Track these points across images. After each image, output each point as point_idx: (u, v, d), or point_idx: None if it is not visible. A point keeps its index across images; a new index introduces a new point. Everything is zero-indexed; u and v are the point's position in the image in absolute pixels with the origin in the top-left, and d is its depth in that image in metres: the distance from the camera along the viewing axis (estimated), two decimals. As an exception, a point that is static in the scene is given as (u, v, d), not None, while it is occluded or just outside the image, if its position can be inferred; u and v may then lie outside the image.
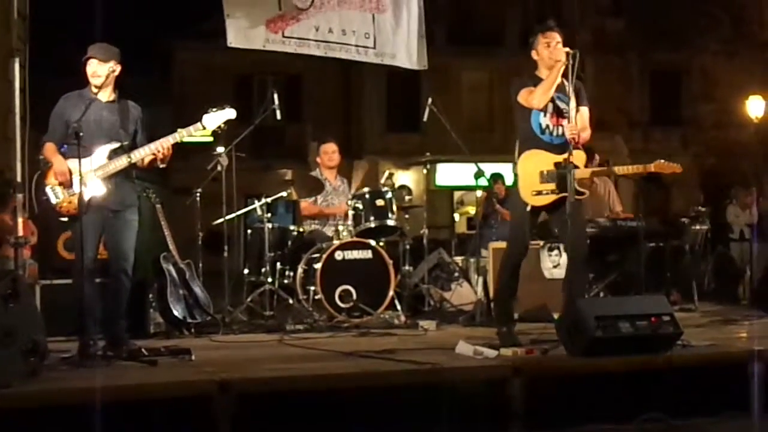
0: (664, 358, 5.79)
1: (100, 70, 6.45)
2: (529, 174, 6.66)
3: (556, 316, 7.35)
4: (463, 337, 6.73)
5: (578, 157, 6.60)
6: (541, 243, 9.06)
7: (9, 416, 4.72)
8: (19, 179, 8.16)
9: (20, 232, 8.20)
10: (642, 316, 5.83)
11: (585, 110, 6.72)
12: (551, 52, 6.66)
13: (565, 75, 6.53)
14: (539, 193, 6.62)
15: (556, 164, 6.60)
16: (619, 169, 7.29)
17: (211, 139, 7.31)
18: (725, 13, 28.71)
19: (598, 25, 29.21)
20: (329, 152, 9.78)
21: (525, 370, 5.54)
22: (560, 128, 6.68)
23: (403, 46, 10.01)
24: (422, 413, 5.26)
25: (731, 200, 13.51)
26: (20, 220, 8.22)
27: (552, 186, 6.59)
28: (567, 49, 6.55)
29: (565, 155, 6.55)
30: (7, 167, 8.43)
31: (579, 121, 6.60)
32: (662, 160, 6.84)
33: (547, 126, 6.70)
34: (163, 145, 6.48)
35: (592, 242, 8.58)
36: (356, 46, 9.78)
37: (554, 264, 8.90)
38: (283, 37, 9.42)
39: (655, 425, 5.37)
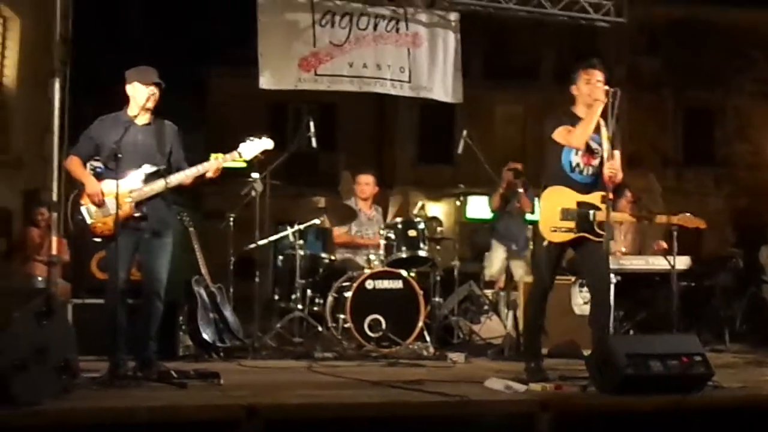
0: (694, 398, 5.74)
1: (157, 96, 6.52)
2: (549, 210, 6.67)
3: (586, 352, 7.32)
4: (491, 370, 6.72)
5: (599, 198, 6.59)
6: (573, 279, 9.03)
7: (39, 434, 4.76)
8: (55, 198, 8.25)
9: (54, 251, 8.28)
10: (673, 356, 5.79)
11: (617, 154, 6.71)
12: (591, 90, 6.65)
13: (604, 114, 6.53)
14: (557, 229, 6.62)
15: (579, 203, 6.60)
16: (640, 217, 7.28)
17: (244, 165, 7.34)
18: (760, 53, 28.64)
19: (633, 63, 29.14)
20: (362, 183, 9.81)
21: (553, 405, 5.50)
22: (590, 168, 6.69)
23: (439, 80, 10.07)
24: (450, 445, 5.24)
25: (764, 241, 13.40)
26: (54, 239, 8.30)
27: (571, 224, 6.60)
28: (606, 87, 6.55)
29: (592, 194, 6.57)
30: (44, 187, 8.53)
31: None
32: (688, 214, 6.89)
33: (578, 164, 6.70)
34: (199, 171, 6.53)
35: (622, 280, 8.60)
36: (391, 80, 9.86)
37: (585, 300, 8.86)
38: (316, 75, 9.52)
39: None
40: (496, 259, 10.28)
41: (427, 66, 10.12)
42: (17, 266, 10.41)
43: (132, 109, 6.56)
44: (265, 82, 9.37)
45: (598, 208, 6.57)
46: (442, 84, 10.20)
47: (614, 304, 8.40)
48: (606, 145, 6.63)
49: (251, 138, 6.73)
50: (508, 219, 10.31)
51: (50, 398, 5.08)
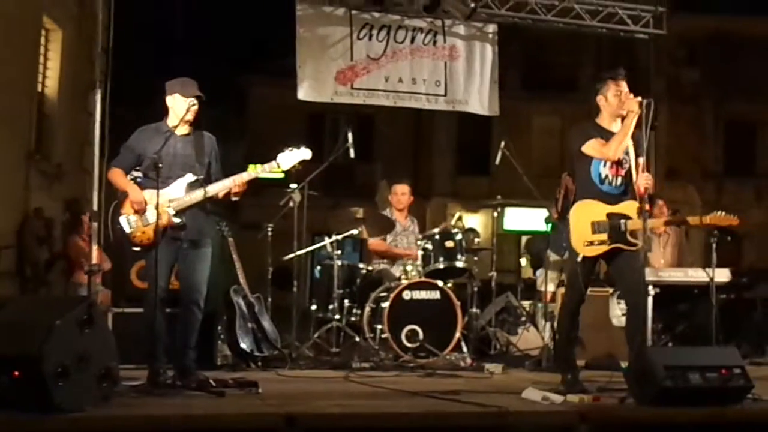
0: (734, 411, 5.70)
1: (197, 108, 6.58)
2: (581, 224, 6.64)
3: (623, 364, 7.28)
4: (528, 381, 6.70)
5: (631, 207, 6.56)
6: (611, 290, 8.99)
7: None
8: (95, 208, 8.33)
9: (95, 260, 8.36)
10: (712, 368, 5.75)
11: (642, 161, 6.64)
12: (622, 101, 6.61)
13: (638, 124, 6.49)
14: (591, 243, 6.60)
15: (609, 215, 6.58)
16: (673, 220, 7.20)
17: (282, 175, 7.38)
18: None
19: (672, 74, 28.99)
20: (398, 193, 9.84)
21: (591, 417, 5.48)
22: (619, 178, 6.66)
23: (475, 93, 10.08)
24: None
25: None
26: (95, 248, 8.38)
27: (603, 237, 6.58)
28: (639, 98, 6.51)
29: (622, 204, 6.55)
30: (83, 197, 8.61)
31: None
32: (720, 213, 6.79)
33: (607, 176, 6.68)
34: (236, 181, 6.57)
35: (661, 292, 8.55)
36: (426, 94, 9.88)
37: (623, 312, 8.81)
38: (352, 88, 9.57)
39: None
40: (553, 272, 10.15)
41: (464, 79, 10.13)
42: (60, 275, 10.52)
43: (172, 120, 6.62)
44: (303, 94, 9.44)
45: (629, 218, 6.55)
46: (478, 97, 10.21)
47: (653, 317, 8.35)
48: (633, 154, 6.61)
49: (289, 148, 6.75)
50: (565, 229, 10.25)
51: (91, 405, 5.14)
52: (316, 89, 9.54)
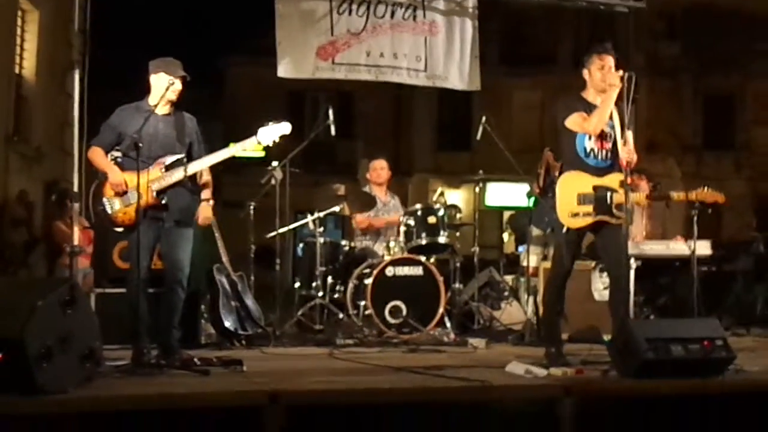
0: (715, 382, 5.74)
1: (180, 88, 6.56)
2: (567, 195, 6.66)
3: (606, 337, 7.32)
4: (512, 355, 6.73)
5: (616, 180, 6.59)
6: (593, 264, 9.03)
7: (64, 421, 4.79)
8: (76, 189, 8.30)
9: (76, 241, 8.34)
10: (694, 340, 5.78)
11: (630, 135, 6.67)
12: (604, 75, 6.62)
13: (619, 98, 6.52)
14: (576, 215, 6.63)
15: (595, 187, 6.61)
16: (658, 198, 7.24)
17: (263, 154, 7.35)
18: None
19: (651, 48, 29.04)
20: (377, 169, 9.86)
21: (575, 390, 5.50)
22: (604, 151, 6.69)
23: (456, 68, 10.03)
24: (472, 430, 5.25)
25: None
26: (76, 229, 8.36)
27: (588, 209, 6.61)
28: (621, 72, 6.52)
29: (608, 177, 6.58)
30: (63, 178, 8.57)
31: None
32: (706, 188, 6.82)
33: (592, 149, 6.70)
34: (217, 158, 6.56)
35: (642, 265, 8.59)
36: (407, 69, 9.84)
37: (605, 285, 8.83)
38: (333, 63, 9.51)
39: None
40: (536, 247, 10.17)
41: (444, 54, 10.08)
42: (41, 258, 10.49)
43: (153, 99, 6.59)
44: (283, 71, 9.38)
45: (614, 191, 6.58)
46: (458, 72, 10.16)
47: (634, 289, 8.40)
48: (618, 128, 6.63)
49: (269, 123, 6.73)
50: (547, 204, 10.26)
51: (74, 386, 5.13)
52: (296, 65, 9.48)
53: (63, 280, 7.62)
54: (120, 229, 6.58)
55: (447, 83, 10.06)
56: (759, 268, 11.17)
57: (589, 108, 6.68)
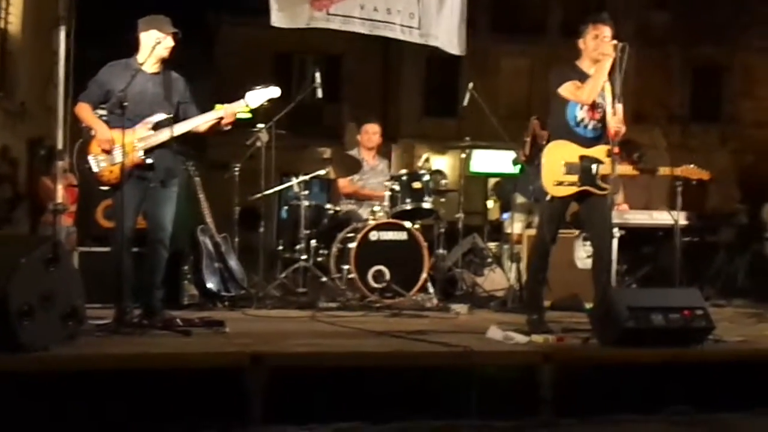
0: (695, 351, 5.78)
1: (172, 45, 6.51)
2: (553, 163, 6.67)
3: (588, 305, 7.36)
4: (494, 322, 6.75)
5: (604, 151, 6.59)
6: (576, 232, 9.05)
7: (46, 379, 4.79)
8: (60, 147, 8.25)
9: (59, 199, 8.30)
10: (675, 309, 5.81)
11: (620, 107, 6.66)
12: (598, 44, 6.61)
13: (611, 68, 6.51)
14: (560, 183, 6.64)
15: (581, 157, 6.62)
16: (644, 170, 7.26)
17: (249, 115, 7.30)
18: (769, 9, 28.50)
19: (642, 18, 29.00)
20: (370, 132, 9.84)
21: (555, 357, 5.53)
22: (594, 122, 6.69)
23: (445, 29, 9.98)
24: (451, 395, 5.28)
25: (768, 198, 13.40)
26: (60, 187, 8.32)
27: (574, 178, 6.62)
28: (615, 41, 6.51)
29: (595, 148, 6.59)
30: (47, 136, 8.52)
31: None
32: (692, 166, 6.85)
33: (583, 119, 6.70)
34: (205, 120, 6.53)
35: (626, 234, 8.62)
36: (401, 25, 9.75)
37: (588, 254, 8.85)
38: (328, 14, 9.41)
39: (682, 418, 5.37)
40: (520, 214, 10.16)
41: (436, 13, 10.01)
42: (25, 214, 10.45)
43: (142, 57, 6.53)
44: (277, 20, 9.22)
45: (601, 162, 6.59)
46: (447, 33, 10.11)
47: (617, 258, 8.40)
48: (609, 98, 6.64)
49: (257, 87, 6.70)
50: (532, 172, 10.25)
51: (56, 344, 5.12)
52: (290, 15, 9.35)
53: (46, 237, 7.60)
54: (105, 188, 6.52)
55: (438, 42, 9.98)
56: (741, 240, 11.24)
57: (583, 77, 6.68)
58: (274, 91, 6.70)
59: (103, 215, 8.32)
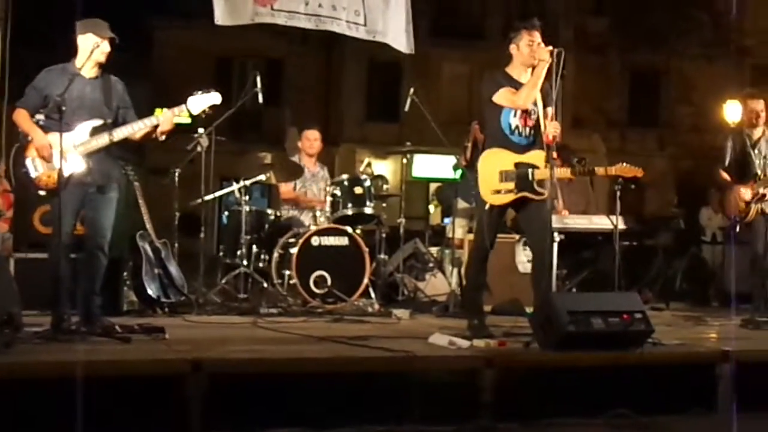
0: (634, 355, 5.83)
1: (109, 50, 6.43)
2: (488, 173, 6.71)
3: (528, 310, 7.40)
4: (435, 327, 6.77)
5: (538, 156, 6.63)
6: (517, 237, 9.11)
7: (-19, 387, 4.72)
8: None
9: (-1, 206, 8.19)
10: (614, 313, 5.86)
11: (550, 111, 6.70)
12: (533, 50, 6.65)
13: (548, 74, 6.54)
14: (498, 192, 6.68)
15: (516, 164, 6.66)
16: (580, 173, 7.33)
17: (189, 120, 7.23)
18: (707, 16, 28.90)
19: (580, 23, 29.29)
20: (311, 139, 9.81)
21: (497, 361, 5.56)
22: (528, 128, 6.74)
23: (393, 28, 9.96)
24: (393, 400, 5.28)
25: (705, 203, 13.57)
26: (-4, 193, 8.21)
27: (510, 186, 6.66)
28: (551, 47, 6.55)
29: (530, 154, 6.63)
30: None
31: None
32: (625, 164, 6.91)
33: (517, 126, 6.74)
34: (144, 125, 6.46)
35: (566, 239, 8.70)
36: (347, 21, 9.71)
37: (528, 258, 8.91)
38: (272, 9, 9.32)
39: (622, 421, 5.42)
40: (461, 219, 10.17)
41: (382, 11, 9.99)
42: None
43: (80, 61, 6.44)
44: (221, 17, 9.11)
45: (536, 167, 6.63)
46: (395, 32, 10.10)
47: (557, 263, 8.51)
48: (540, 104, 6.69)
49: (199, 92, 6.64)
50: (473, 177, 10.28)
51: (-7, 352, 5.05)
52: (233, 11, 9.23)
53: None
54: (43, 193, 6.43)
55: (386, 39, 9.94)
56: (679, 244, 11.38)
57: (512, 83, 6.72)
58: (216, 98, 6.64)
59: (40, 221, 8.20)
